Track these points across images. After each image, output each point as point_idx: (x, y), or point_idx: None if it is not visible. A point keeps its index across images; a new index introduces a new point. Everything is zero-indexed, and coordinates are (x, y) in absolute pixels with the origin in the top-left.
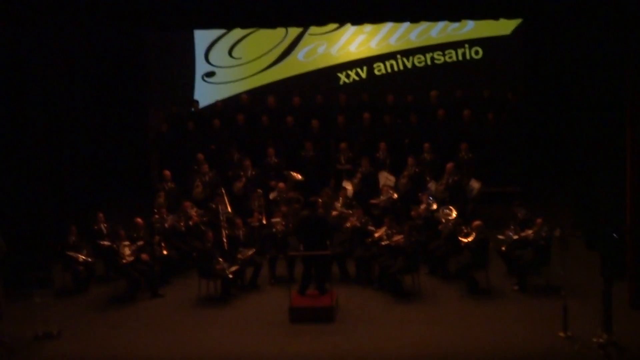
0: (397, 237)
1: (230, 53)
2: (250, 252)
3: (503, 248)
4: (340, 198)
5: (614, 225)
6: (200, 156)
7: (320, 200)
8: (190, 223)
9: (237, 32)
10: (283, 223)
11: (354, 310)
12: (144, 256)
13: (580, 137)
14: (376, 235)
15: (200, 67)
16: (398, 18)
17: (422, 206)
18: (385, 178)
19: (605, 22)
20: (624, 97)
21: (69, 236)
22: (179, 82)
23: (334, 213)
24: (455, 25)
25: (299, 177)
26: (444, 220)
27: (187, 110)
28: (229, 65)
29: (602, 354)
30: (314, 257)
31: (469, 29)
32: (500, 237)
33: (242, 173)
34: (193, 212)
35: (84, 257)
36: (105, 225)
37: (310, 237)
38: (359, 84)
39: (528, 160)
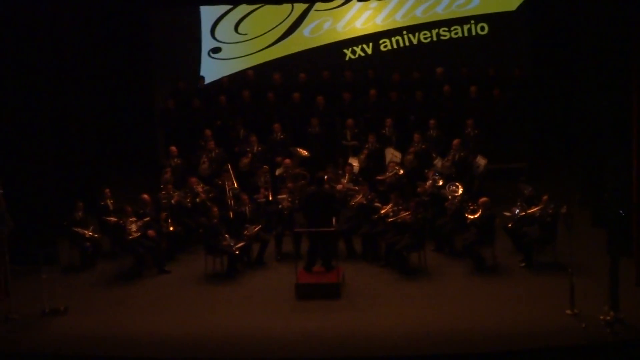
0: (404, 214)
1: (236, 29)
2: (257, 229)
3: (509, 225)
4: (347, 174)
5: (621, 202)
6: (208, 132)
7: (326, 176)
8: (198, 200)
9: (243, 8)
10: (289, 199)
11: (360, 287)
12: (151, 232)
13: (586, 113)
14: (382, 211)
15: (206, 43)
16: None
17: (429, 183)
18: (392, 154)
19: None
20: (631, 72)
21: (75, 212)
22: (184, 58)
23: (339, 187)
24: (461, 1)
25: (305, 153)
26: (450, 197)
27: (193, 86)
28: (235, 41)
29: (609, 332)
30: (320, 234)
31: (475, 4)
32: (507, 213)
33: (248, 149)
34: (199, 188)
35: (90, 233)
36: (111, 201)
37: (316, 213)
38: (364, 60)
39: (534, 136)
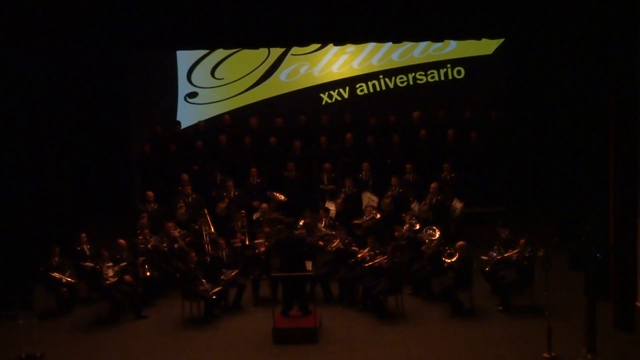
0: (381, 258)
1: (212, 74)
2: (233, 273)
3: (487, 268)
4: (323, 219)
5: (598, 245)
6: (185, 177)
7: (302, 221)
8: (175, 245)
9: (220, 53)
10: (266, 244)
11: (337, 332)
12: (127, 277)
13: (563, 157)
14: (359, 255)
15: (183, 87)
16: (380, 38)
17: (406, 226)
18: (369, 198)
19: (586, 40)
20: (607, 115)
21: (52, 257)
22: (161, 102)
23: (314, 239)
24: (438, 45)
25: (282, 197)
26: (427, 241)
27: (170, 131)
28: (211, 85)
29: None
30: (292, 278)
31: (451, 49)
32: (484, 257)
33: (224, 194)
34: (176, 233)
35: (67, 279)
36: (88, 246)
37: (287, 258)
38: (341, 104)
39: (511, 180)
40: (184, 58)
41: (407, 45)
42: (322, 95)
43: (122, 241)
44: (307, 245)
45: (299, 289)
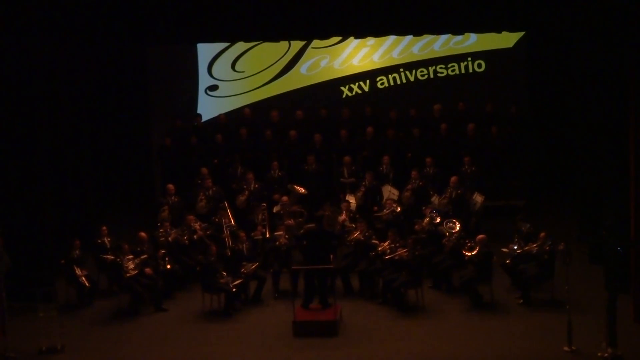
0: (401, 251)
1: (233, 67)
2: (254, 266)
3: (507, 262)
4: (344, 212)
5: (618, 238)
6: (204, 170)
7: (325, 214)
8: (195, 237)
9: (240, 46)
10: (286, 237)
11: (357, 325)
12: (148, 270)
13: (584, 150)
14: (380, 249)
15: (204, 80)
16: (401, 31)
17: (426, 220)
18: (389, 192)
19: (607, 33)
20: (628, 109)
21: (72, 250)
22: (182, 95)
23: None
24: (458, 38)
25: (303, 190)
26: (447, 234)
27: (191, 124)
28: (232, 78)
29: None
30: (316, 271)
31: (472, 42)
32: (504, 250)
33: (245, 187)
34: (197, 225)
35: (83, 278)
36: (108, 239)
37: (314, 250)
38: (361, 97)
39: (532, 173)
40: (205, 51)
41: (427, 38)
42: (342, 88)
43: (142, 234)
44: (336, 238)
45: (321, 282)
